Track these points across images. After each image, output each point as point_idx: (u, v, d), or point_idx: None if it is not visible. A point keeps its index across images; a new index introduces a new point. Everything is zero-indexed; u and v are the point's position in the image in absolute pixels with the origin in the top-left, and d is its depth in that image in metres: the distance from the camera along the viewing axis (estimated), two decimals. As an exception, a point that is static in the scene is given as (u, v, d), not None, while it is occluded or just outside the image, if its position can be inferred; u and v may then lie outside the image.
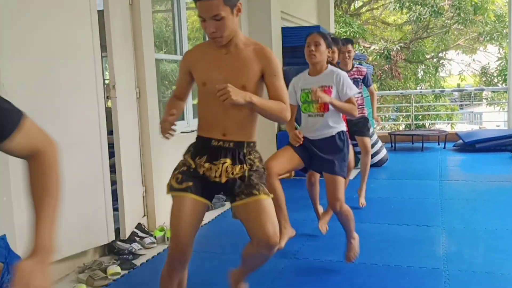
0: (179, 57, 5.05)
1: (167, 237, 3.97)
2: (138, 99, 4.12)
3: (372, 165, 6.83)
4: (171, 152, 4.68)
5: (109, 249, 3.73)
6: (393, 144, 8.64)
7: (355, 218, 4.39)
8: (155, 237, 3.99)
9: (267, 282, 3.13)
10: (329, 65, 3.33)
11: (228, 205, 5.10)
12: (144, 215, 4.26)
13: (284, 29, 6.77)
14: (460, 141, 8.46)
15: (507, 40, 9.16)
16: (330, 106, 3.17)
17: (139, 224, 4.08)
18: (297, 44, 6.72)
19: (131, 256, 3.60)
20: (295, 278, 3.23)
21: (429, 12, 12.79)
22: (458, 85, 16.60)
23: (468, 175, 6.19)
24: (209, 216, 4.72)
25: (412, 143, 9.02)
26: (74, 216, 3.35)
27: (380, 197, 5.20)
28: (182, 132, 4.84)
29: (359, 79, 4.75)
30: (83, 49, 3.42)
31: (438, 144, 8.82)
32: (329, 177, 3.17)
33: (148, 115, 4.16)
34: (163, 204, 4.38)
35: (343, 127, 3.29)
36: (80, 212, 3.41)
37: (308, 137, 3.26)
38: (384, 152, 7.06)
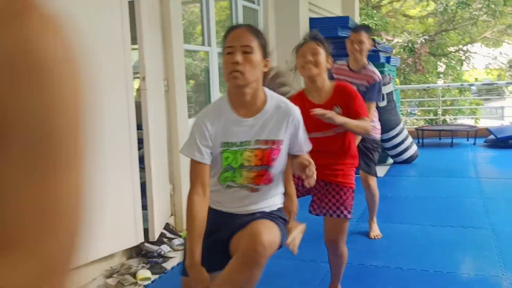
0: (207, 48, 4.82)
1: (187, 240, 3.75)
2: (167, 91, 3.91)
3: (401, 162, 6.58)
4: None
5: (137, 251, 3.53)
6: (420, 140, 8.32)
7: (392, 219, 4.17)
8: (183, 238, 3.77)
9: (310, 290, 2.90)
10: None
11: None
12: (172, 215, 4.05)
13: (312, 20, 6.50)
14: (491, 136, 8.12)
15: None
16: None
17: (167, 224, 3.87)
18: (325, 36, 6.44)
19: (161, 259, 3.39)
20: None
21: (457, 3, 12.36)
22: (476, 79, 16.18)
23: (506, 172, 5.88)
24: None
25: (440, 139, 8.70)
26: (101, 216, 3.14)
27: (416, 196, 4.93)
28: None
29: (364, 87, 3.36)
30: (113, 40, 3.21)
31: (467, 140, 8.49)
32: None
33: (176, 108, 3.95)
34: (192, 203, 4.17)
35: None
36: (108, 211, 3.20)
37: None
38: (414, 148, 6.77)
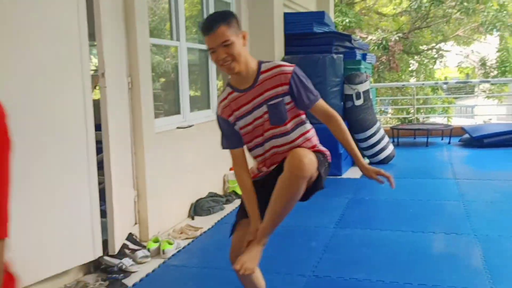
0: (176, 43, 4.51)
1: (163, 250, 3.45)
2: (130, 89, 3.59)
3: (378, 162, 6.41)
4: (167, 151, 4.18)
5: (95, 266, 3.20)
6: (395, 139, 8.19)
7: (371, 225, 3.96)
8: (148, 250, 3.46)
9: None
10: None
11: (227, 209, 4.60)
12: (136, 223, 3.74)
13: (286, 15, 6.24)
14: (466, 135, 8.05)
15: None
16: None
17: (130, 234, 3.56)
18: (301, 31, 6.23)
19: (122, 274, 3.08)
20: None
21: (430, 1, 12.31)
22: (446, 77, 16.28)
23: (484, 173, 5.77)
24: (208, 222, 4.22)
25: (415, 138, 8.60)
26: (54, 227, 2.82)
27: (395, 199, 4.74)
28: (178, 128, 4.32)
29: (282, 95, 2.11)
30: (68, 34, 2.88)
31: (442, 139, 8.40)
32: None
33: (141, 107, 3.63)
34: (158, 210, 3.87)
35: None
36: (61, 222, 2.88)
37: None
38: (391, 148, 6.60)
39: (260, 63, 2.14)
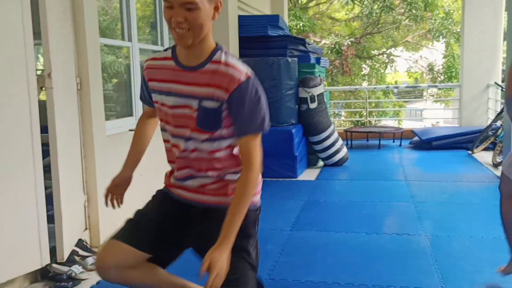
0: (127, 44, 4.39)
1: (115, 256, 3.33)
2: (79, 90, 3.45)
3: (332, 164, 6.50)
4: (119, 154, 4.04)
5: (43, 274, 3.05)
6: (349, 142, 8.34)
7: (326, 227, 3.99)
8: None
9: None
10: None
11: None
12: (86, 229, 3.60)
13: (241, 18, 6.23)
14: (416, 138, 8.30)
15: (461, 36, 9.08)
16: None
17: (79, 240, 3.42)
18: (255, 34, 6.22)
19: (71, 282, 2.95)
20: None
21: (381, 7, 12.66)
22: (396, 81, 16.81)
23: (433, 175, 5.95)
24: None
25: (367, 140, 8.79)
26: (-3, 236, 2.66)
27: (349, 201, 4.81)
28: (131, 130, 4.20)
29: (214, 100, 1.72)
30: (9, 31, 2.74)
31: (393, 141, 8.63)
32: None
33: (91, 109, 3.50)
34: (109, 216, 3.73)
35: None
36: (5, 228, 2.73)
37: None
38: (344, 150, 6.70)
39: (217, 49, 1.73)
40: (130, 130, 4.22)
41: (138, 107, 4.46)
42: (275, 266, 3.20)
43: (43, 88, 3.11)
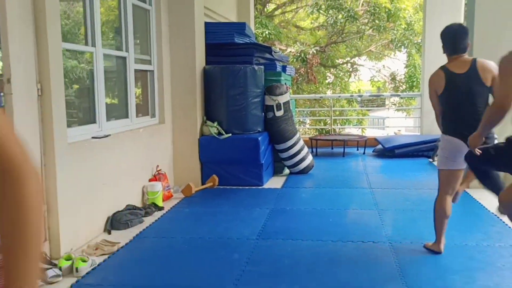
0: (91, 49, 4.29)
1: (76, 268, 3.23)
2: (40, 96, 3.34)
3: (298, 172, 6.54)
4: (81, 162, 3.94)
5: (0, 288, 2.92)
6: (314, 149, 8.42)
7: (292, 235, 4.00)
8: (60, 268, 3.23)
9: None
10: None
11: (147, 222, 4.43)
12: (45, 240, 3.48)
13: (207, 24, 6.20)
14: (379, 146, 8.45)
15: (422, 47, 9.34)
16: None
17: (39, 251, 3.29)
18: (222, 41, 6.20)
19: (30, 296, 2.83)
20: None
21: (345, 17, 12.89)
22: (359, 90, 17.13)
23: (396, 182, 6.06)
24: (126, 236, 4.03)
25: (332, 148, 8.90)
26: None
27: (315, 209, 4.83)
28: (93, 138, 4.10)
29: None
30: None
31: (357, 149, 8.77)
32: None
33: (52, 116, 3.39)
34: (71, 226, 3.63)
35: None
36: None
37: None
38: (310, 158, 6.76)
39: None
40: (93, 137, 4.12)
41: (102, 113, 4.36)
42: (241, 275, 3.18)
43: (2, 94, 3.00)
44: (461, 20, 8.43)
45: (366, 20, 13.75)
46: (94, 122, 4.31)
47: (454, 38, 3.39)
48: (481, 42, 5.34)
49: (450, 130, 3.39)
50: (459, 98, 3.32)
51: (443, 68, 3.45)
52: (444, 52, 3.49)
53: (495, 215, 4.27)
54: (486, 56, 3.46)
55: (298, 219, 4.49)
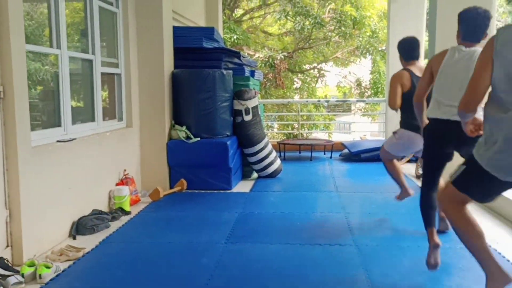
0: (56, 51, 4.21)
1: (39, 275, 3.15)
2: (2, 99, 3.26)
3: (266, 176, 6.57)
4: (46, 166, 3.84)
5: (-41, 297, 2.82)
6: (282, 153, 8.48)
7: (261, 239, 4.02)
8: (22, 275, 3.14)
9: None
10: None
11: (114, 227, 4.37)
12: (8, 246, 3.38)
13: (176, 29, 6.17)
14: (346, 150, 8.59)
15: (386, 54, 9.56)
16: None
17: (0, 258, 3.20)
18: (191, 46, 6.19)
19: (-9, 305, 2.75)
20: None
21: (312, 24, 13.06)
22: (326, 95, 17.40)
23: (362, 186, 6.17)
24: (92, 241, 3.95)
25: (300, 152, 8.99)
26: None
27: (283, 213, 4.86)
28: (58, 141, 4.02)
29: None
30: None
31: (324, 154, 8.89)
32: None
33: (15, 119, 3.31)
34: (34, 231, 3.54)
35: None
36: None
37: None
38: (278, 162, 6.80)
39: None
40: (58, 141, 4.03)
41: (67, 117, 4.28)
42: (210, 280, 3.17)
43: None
44: (423, 28, 8.68)
45: (332, 27, 13.98)
46: (59, 125, 4.22)
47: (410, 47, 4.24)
48: (442, 49, 5.50)
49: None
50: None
51: (408, 70, 4.20)
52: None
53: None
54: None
55: (267, 223, 4.51)
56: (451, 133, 3.11)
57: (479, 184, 2.41)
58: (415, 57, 4.20)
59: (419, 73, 4.00)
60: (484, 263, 2.48)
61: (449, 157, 3.30)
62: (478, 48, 3.02)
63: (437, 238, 3.25)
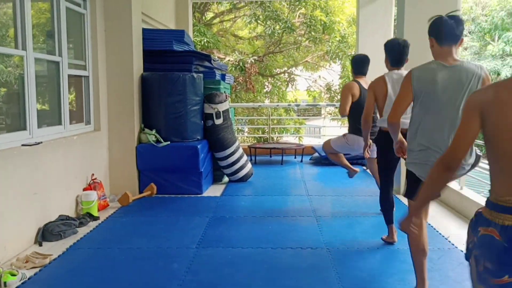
0: (21, 52, 4.09)
1: (4, 282, 3.05)
2: (-35, 101, 3.14)
3: (237, 180, 6.56)
4: (10, 171, 3.72)
5: None
6: (253, 157, 8.49)
7: (232, 243, 4.00)
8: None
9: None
10: None
11: (81, 232, 4.27)
12: (-30, 254, 3.26)
13: (145, 31, 6.10)
14: (316, 154, 8.66)
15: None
16: None
17: (-38, 267, 3.08)
18: (160, 48, 6.12)
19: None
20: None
21: (283, 28, 13.14)
22: (296, 99, 17.56)
23: (332, 189, 6.23)
24: (59, 248, 3.85)
25: (271, 156, 9.01)
26: None
27: (254, 217, 4.85)
28: (24, 145, 3.91)
29: None
30: None
31: (295, 157, 8.93)
32: None
33: (-22, 123, 3.20)
34: (-2, 238, 3.42)
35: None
36: None
37: None
38: (249, 166, 6.80)
39: None
40: (24, 145, 3.92)
41: (33, 120, 4.16)
42: (181, 285, 3.13)
43: None
44: (390, 34, 8.85)
45: (302, 32, 14.10)
46: (24, 129, 4.10)
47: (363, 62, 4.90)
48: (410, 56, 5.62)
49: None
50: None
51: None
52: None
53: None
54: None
55: (238, 227, 4.49)
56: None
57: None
58: (364, 72, 4.89)
59: (365, 86, 4.66)
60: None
61: (398, 159, 3.81)
62: (404, 71, 3.69)
63: (395, 236, 3.93)
